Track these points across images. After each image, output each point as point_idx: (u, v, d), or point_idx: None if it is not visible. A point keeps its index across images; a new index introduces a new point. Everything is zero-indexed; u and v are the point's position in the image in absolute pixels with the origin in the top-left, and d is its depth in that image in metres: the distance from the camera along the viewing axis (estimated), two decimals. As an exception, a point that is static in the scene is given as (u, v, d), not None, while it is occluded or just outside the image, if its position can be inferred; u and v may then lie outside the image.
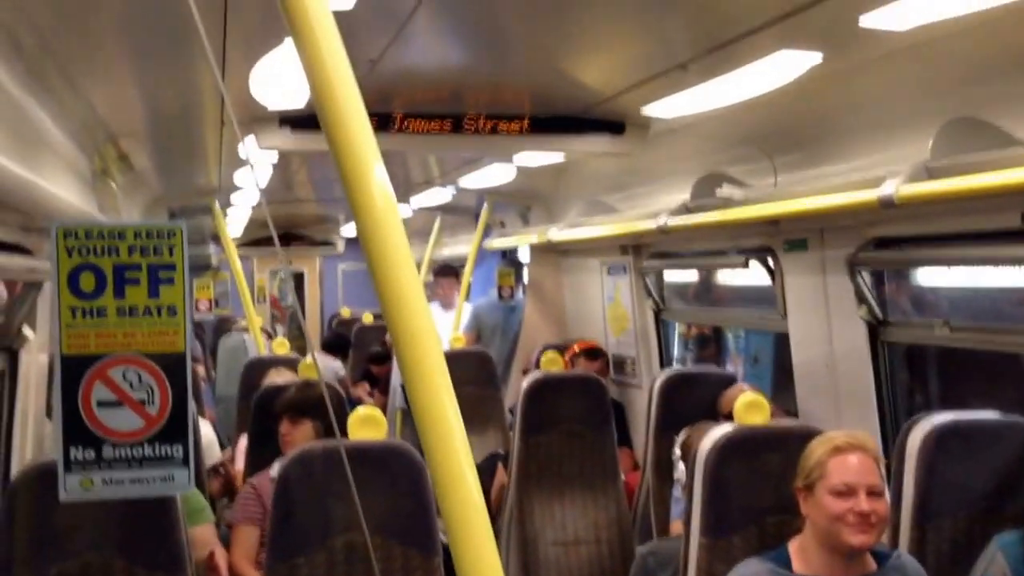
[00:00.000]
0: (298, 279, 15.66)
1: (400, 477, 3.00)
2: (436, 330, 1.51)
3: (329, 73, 1.46)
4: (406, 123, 4.57)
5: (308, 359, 5.06)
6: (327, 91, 1.46)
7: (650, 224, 4.98)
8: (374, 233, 1.46)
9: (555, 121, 4.87)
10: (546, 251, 7.48)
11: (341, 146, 1.46)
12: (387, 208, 1.48)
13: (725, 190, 4.43)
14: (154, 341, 1.90)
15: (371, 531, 2.98)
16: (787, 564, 2.58)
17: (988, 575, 2.66)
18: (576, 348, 6.32)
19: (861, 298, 3.97)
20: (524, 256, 8.57)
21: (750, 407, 3.03)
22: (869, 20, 2.85)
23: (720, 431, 3.00)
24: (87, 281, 1.86)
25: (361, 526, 2.95)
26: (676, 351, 6.63)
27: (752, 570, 2.58)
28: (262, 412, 4.45)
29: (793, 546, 2.62)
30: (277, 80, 3.67)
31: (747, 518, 2.86)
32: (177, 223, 1.92)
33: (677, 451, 3.65)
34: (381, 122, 4.49)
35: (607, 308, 6.78)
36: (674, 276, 6.39)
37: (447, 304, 8.35)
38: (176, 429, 1.92)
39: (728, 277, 5.98)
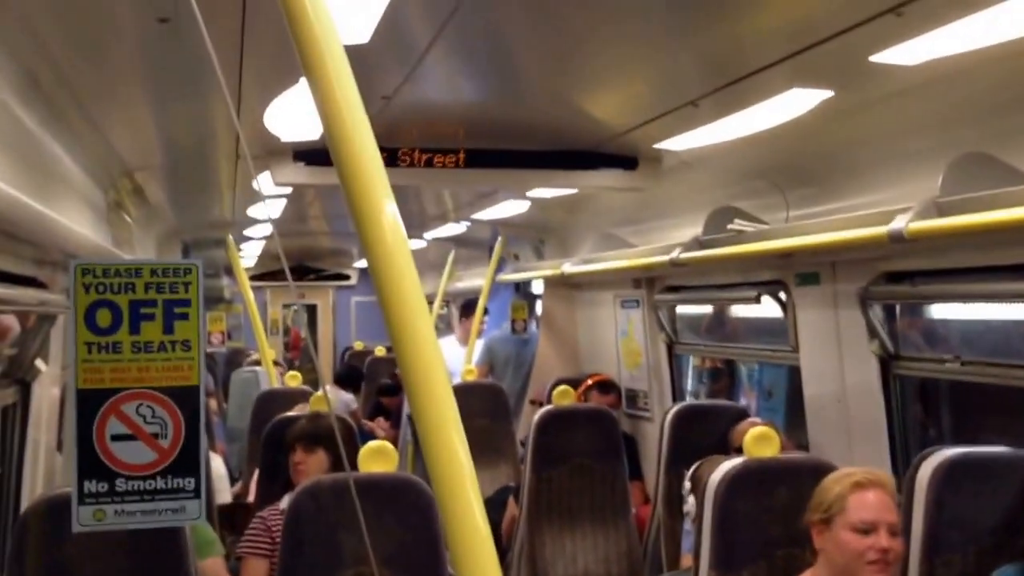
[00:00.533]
0: (311, 312, 15.71)
1: (410, 510, 3.00)
2: (445, 363, 1.52)
3: (342, 110, 1.48)
4: (419, 158, 4.61)
5: (319, 392, 5.07)
6: (339, 128, 1.48)
7: (663, 258, 4.99)
8: (385, 268, 1.48)
9: (569, 156, 4.90)
10: (559, 284, 7.50)
11: (353, 182, 1.48)
12: (397, 243, 1.49)
13: (737, 224, 4.45)
14: (168, 376, 1.93)
15: (380, 564, 2.97)
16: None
17: None
18: (589, 381, 6.32)
19: (873, 332, 3.97)
20: (538, 289, 8.59)
21: (760, 440, 3.03)
22: (879, 57, 2.87)
23: (730, 464, 2.99)
24: (103, 317, 1.90)
25: (370, 559, 2.95)
26: (690, 385, 6.61)
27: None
28: (272, 444, 4.45)
29: (804, 576, 2.61)
30: (291, 114, 3.71)
31: (757, 551, 2.85)
32: (193, 261, 1.95)
33: (687, 484, 3.64)
34: (393, 157, 4.53)
35: (620, 342, 6.77)
36: (687, 310, 6.39)
37: (465, 339, 8.39)
38: (188, 461, 1.94)
39: (741, 311, 5.98)
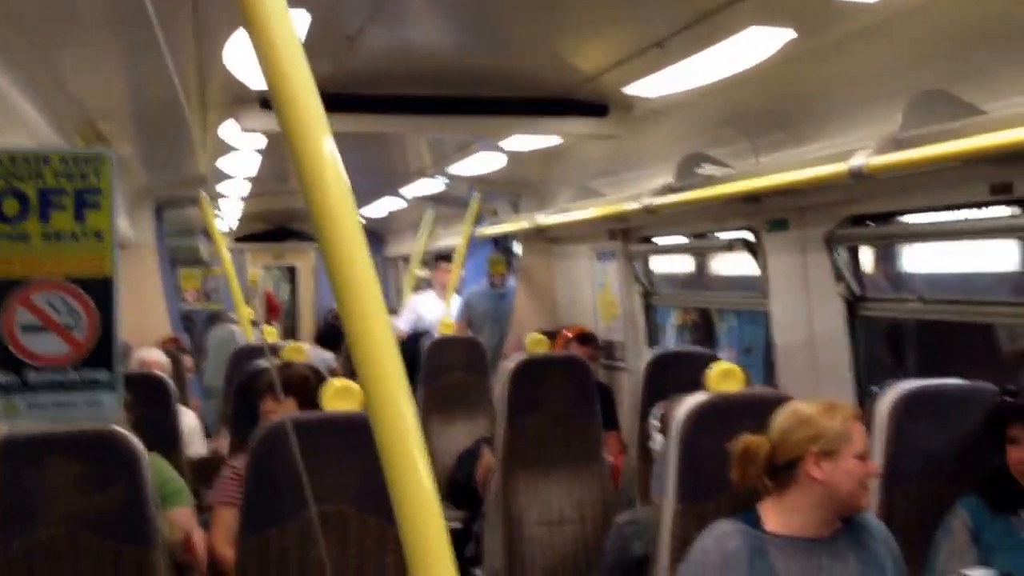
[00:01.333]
0: (291, 274, 15.69)
1: (374, 448, 2.99)
2: (385, 309, 1.50)
3: (278, 50, 1.45)
4: (387, 104, 4.57)
5: (291, 343, 5.07)
6: (276, 68, 1.46)
7: (635, 204, 5.00)
8: (325, 214, 1.46)
9: (540, 103, 4.89)
10: (537, 239, 7.51)
11: (291, 125, 1.45)
12: (338, 188, 1.46)
13: (707, 169, 4.46)
14: (80, 266, 1.92)
15: (346, 502, 2.99)
16: (758, 524, 2.60)
17: (950, 526, 2.71)
18: (568, 334, 6.35)
19: (839, 275, 3.99)
20: (519, 245, 8.59)
21: (724, 375, 3.05)
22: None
23: (695, 399, 3.01)
24: (11, 206, 1.88)
25: (334, 497, 2.97)
26: (672, 343, 6.66)
27: (723, 530, 2.60)
28: (244, 395, 4.45)
29: (764, 507, 2.63)
30: (255, 58, 3.66)
31: (722, 484, 2.86)
32: (105, 150, 1.93)
33: (654, 422, 3.66)
34: (361, 103, 4.49)
35: (597, 294, 6.81)
36: (664, 266, 6.43)
37: (444, 292, 8.40)
38: (103, 355, 1.93)
39: (716, 266, 6.02)
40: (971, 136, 2.70)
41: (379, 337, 1.44)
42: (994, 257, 3.68)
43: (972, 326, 4.06)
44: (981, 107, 2.95)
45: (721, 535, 2.60)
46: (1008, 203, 3.14)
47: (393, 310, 9.51)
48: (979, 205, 3.22)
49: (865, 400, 3.91)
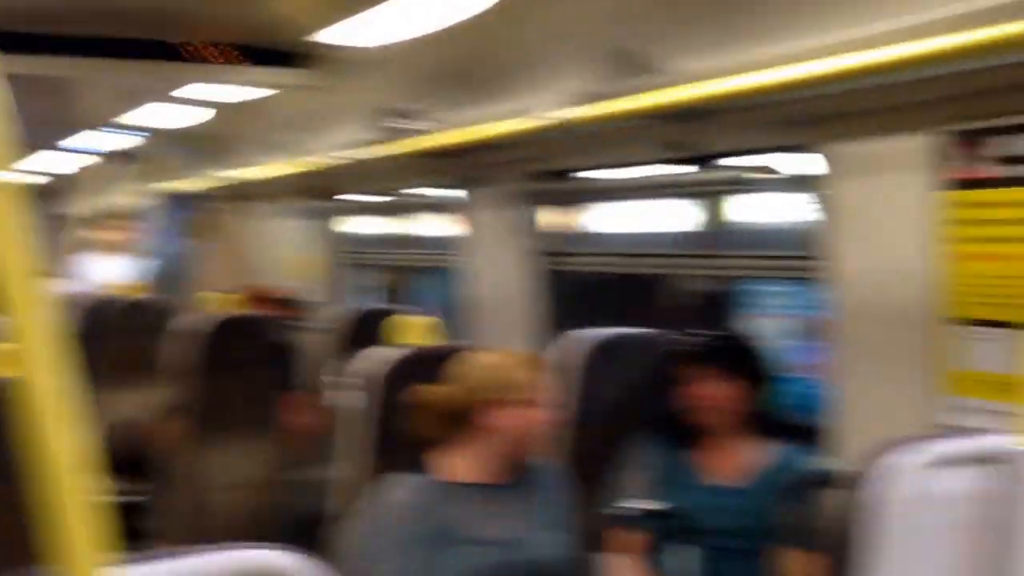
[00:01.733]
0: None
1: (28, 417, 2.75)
2: (42, 269, 1.34)
3: None
4: (44, 44, 4.13)
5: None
6: None
7: (331, 161, 4.90)
8: None
9: (231, 50, 4.60)
10: (231, 196, 7.23)
11: None
12: None
13: (406, 124, 4.43)
14: None
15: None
16: (438, 474, 2.61)
17: (628, 464, 2.83)
18: (261, 294, 6.16)
19: (529, 230, 4.10)
20: (208, 203, 8.25)
21: (417, 330, 3.04)
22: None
23: (387, 354, 2.97)
24: None
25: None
26: (367, 302, 6.63)
27: (401, 483, 2.56)
28: None
29: (444, 457, 2.63)
30: None
31: (410, 438, 2.84)
32: None
33: (345, 379, 3.59)
34: (28, 43, 4.06)
35: (292, 254, 6.67)
36: (361, 225, 6.39)
37: (120, 250, 7.98)
38: None
39: (413, 224, 6.04)
40: (648, 93, 2.81)
41: (35, 299, 1.29)
42: (673, 215, 3.89)
43: (654, 280, 4.29)
44: (664, 66, 3.08)
45: (399, 488, 2.58)
46: (680, 161, 3.31)
47: (66, 272, 8.90)
48: (657, 162, 3.38)
49: (551, 349, 4.05)
